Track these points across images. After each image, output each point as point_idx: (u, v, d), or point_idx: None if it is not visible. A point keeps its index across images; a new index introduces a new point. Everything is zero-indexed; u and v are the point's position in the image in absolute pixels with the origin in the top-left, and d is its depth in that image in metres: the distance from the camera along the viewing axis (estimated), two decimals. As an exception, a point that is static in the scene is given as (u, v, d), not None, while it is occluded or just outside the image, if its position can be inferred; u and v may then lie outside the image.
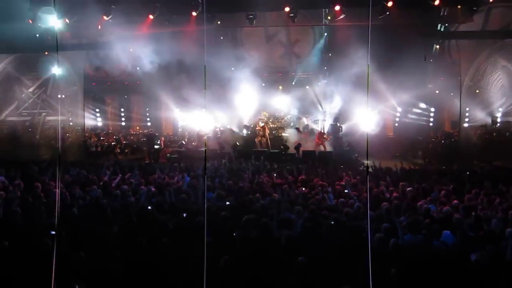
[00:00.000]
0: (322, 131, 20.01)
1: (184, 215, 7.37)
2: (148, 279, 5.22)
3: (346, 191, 9.66)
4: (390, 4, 14.52)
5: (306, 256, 5.56)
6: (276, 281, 5.27)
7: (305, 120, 22.08)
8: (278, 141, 20.30)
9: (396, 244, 5.89)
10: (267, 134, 20.16)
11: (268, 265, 5.48)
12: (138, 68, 22.25)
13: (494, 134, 17.48)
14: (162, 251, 5.83)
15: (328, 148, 19.18)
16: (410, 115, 22.25)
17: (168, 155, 19.81)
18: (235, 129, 21.70)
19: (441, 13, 16.37)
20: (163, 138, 21.75)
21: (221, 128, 21.85)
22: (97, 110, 26.40)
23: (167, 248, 5.89)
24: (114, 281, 5.11)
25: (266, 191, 9.71)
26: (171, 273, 5.31)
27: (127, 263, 5.49)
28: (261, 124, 20.58)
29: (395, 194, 9.18)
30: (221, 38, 21.68)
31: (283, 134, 21.18)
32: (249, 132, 20.75)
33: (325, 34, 21.24)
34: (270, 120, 21.59)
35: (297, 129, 21.21)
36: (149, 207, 7.76)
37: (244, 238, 6.54)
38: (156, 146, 20.40)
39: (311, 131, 21.29)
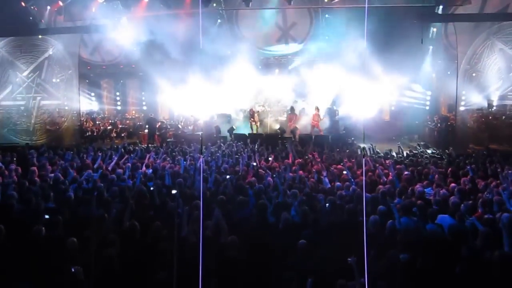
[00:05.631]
0: (318, 113, 19.91)
1: (174, 191, 7.40)
2: (144, 264, 5.24)
3: (345, 172, 9.66)
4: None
5: (302, 239, 5.60)
6: (275, 264, 5.30)
7: (301, 103, 21.99)
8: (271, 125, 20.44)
9: (393, 226, 5.92)
10: (257, 119, 20.16)
11: (267, 248, 5.51)
12: (133, 51, 22.04)
13: (490, 117, 17.48)
14: (157, 234, 5.84)
15: (324, 131, 19.18)
16: (406, 99, 22.20)
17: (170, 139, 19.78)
18: (231, 112, 21.66)
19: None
20: (159, 122, 21.69)
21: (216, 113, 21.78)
22: (93, 94, 26.26)
23: (164, 232, 5.90)
24: (110, 265, 5.12)
25: (262, 175, 9.72)
26: (167, 257, 5.32)
27: (123, 247, 5.51)
28: (257, 109, 20.54)
29: (390, 177, 9.21)
30: (218, 21, 21.46)
31: (279, 118, 21.17)
32: (245, 115, 20.77)
33: (322, 16, 21.06)
34: (266, 103, 21.51)
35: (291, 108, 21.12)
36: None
37: (243, 219, 6.60)
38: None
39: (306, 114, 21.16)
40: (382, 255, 5.22)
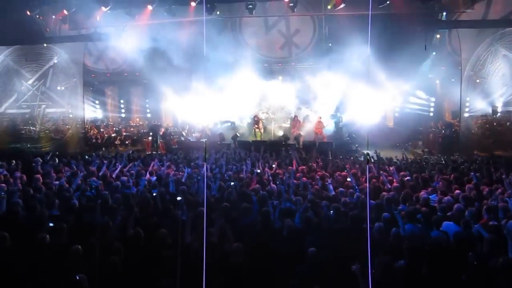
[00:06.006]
0: (320, 121, 19.88)
1: (179, 198, 7.46)
2: (148, 271, 5.23)
3: (349, 179, 9.65)
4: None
5: (307, 245, 5.59)
6: (280, 271, 5.28)
7: (305, 110, 22.00)
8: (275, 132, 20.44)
9: (397, 234, 5.89)
10: (261, 126, 20.19)
11: (271, 255, 5.49)
12: (137, 59, 22.15)
13: (495, 123, 17.46)
14: (161, 241, 5.84)
15: (328, 138, 19.19)
16: (410, 105, 22.18)
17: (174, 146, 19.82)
18: (235, 119, 21.67)
19: (442, 2, 16.27)
20: (163, 130, 21.73)
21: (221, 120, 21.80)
22: (97, 102, 26.36)
23: (168, 239, 5.90)
24: (115, 272, 5.12)
25: (266, 182, 9.71)
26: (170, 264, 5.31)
27: (127, 254, 5.51)
28: (260, 116, 20.59)
29: (395, 184, 9.18)
30: (221, 28, 21.54)
31: (283, 125, 21.18)
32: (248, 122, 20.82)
33: (325, 23, 21.14)
34: (270, 110, 21.53)
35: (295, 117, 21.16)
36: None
37: (247, 226, 6.59)
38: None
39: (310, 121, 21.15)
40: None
